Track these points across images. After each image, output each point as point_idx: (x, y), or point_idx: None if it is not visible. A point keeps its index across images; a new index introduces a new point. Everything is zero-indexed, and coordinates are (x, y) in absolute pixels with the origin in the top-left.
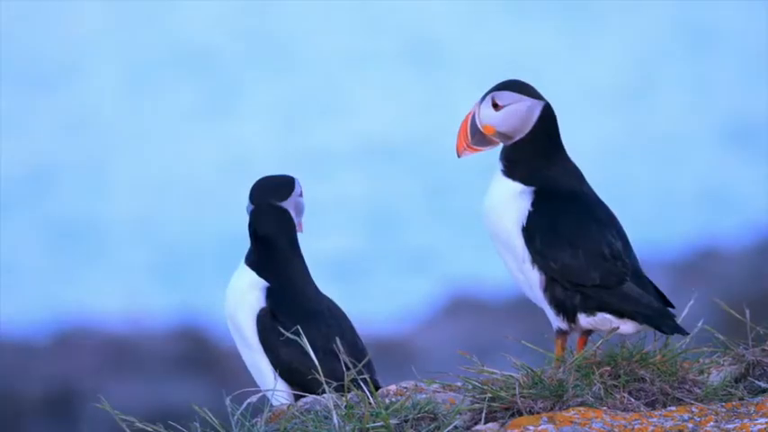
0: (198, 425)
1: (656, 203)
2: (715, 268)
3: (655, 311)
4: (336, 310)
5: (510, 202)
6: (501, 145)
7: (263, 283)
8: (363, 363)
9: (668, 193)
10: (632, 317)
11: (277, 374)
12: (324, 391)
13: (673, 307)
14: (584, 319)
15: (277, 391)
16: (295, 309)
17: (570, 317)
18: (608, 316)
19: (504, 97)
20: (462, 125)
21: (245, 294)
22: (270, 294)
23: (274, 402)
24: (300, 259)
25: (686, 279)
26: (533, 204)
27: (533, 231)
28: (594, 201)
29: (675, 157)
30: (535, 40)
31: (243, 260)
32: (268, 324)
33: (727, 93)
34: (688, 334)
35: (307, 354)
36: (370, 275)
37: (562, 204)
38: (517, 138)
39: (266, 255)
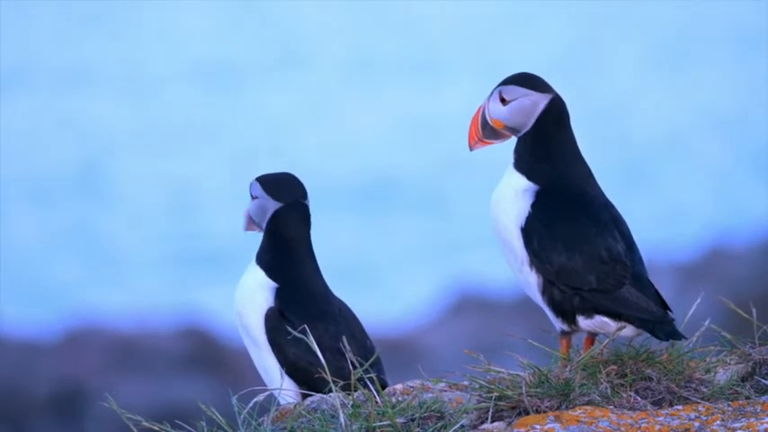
0: (204, 424)
1: (664, 205)
2: (721, 267)
3: (651, 316)
4: (347, 311)
5: (512, 199)
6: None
7: (272, 283)
8: (370, 361)
9: (675, 195)
10: (629, 321)
11: (284, 373)
12: (331, 390)
13: (670, 311)
14: (582, 322)
15: (285, 390)
16: (304, 308)
17: (569, 319)
18: (606, 319)
19: (510, 92)
20: (473, 119)
21: (254, 293)
22: (279, 294)
23: (282, 401)
24: (313, 260)
25: (693, 278)
26: (534, 205)
27: (532, 233)
28: (598, 202)
29: (681, 159)
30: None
31: (254, 260)
32: (276, 323)
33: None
34: (685, 338)
35: (315, 353)
36: (376, 275)
37: (563, 206)
38: (523, 132)
39: (280, 255)
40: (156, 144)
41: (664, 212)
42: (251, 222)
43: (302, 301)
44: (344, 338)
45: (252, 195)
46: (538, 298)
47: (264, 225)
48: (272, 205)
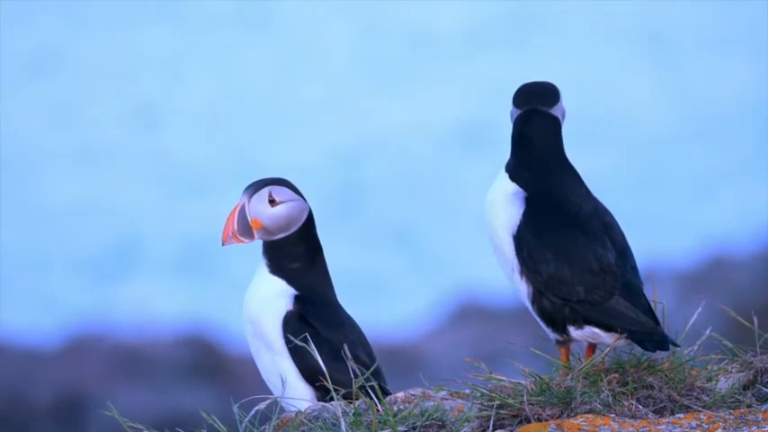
0: None
1: (665, 211)
2: (723, 276)
3: (640, 327)
4: (354, 321)
5: (503, 203)
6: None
7: (292, 290)
8: (373, 369)
9: (676, 201)
10: (619, 331)
11: (303, 378)
12: (348, 396)
13: (657, 323)
14: (574, 332)
15: (295, 399)
16: (324, 314)
17: (560, 329)
18: (597, 330)
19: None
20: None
21: (273, 300)
22: (298, 300)
23: (301, 407)
24: (327, 271)
25: (694, 287)
26: (524, 213)
27: (522, 242)
28: (589, 210)
29: (681, 163)
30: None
31: (264, 268)
32: (297, 326)
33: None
34: (677, 346)
35: (338, 357)
36: (379, 283)
37: (553, 215)
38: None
39: (303, 261)
40: (151, 150)
41: (664, 220)
42: (249, 231)
43: (322, 306)
44: (354, 347)
45: (273, 200)
46: (529, 306)
47: (297, 228)
48: (307, 207)
